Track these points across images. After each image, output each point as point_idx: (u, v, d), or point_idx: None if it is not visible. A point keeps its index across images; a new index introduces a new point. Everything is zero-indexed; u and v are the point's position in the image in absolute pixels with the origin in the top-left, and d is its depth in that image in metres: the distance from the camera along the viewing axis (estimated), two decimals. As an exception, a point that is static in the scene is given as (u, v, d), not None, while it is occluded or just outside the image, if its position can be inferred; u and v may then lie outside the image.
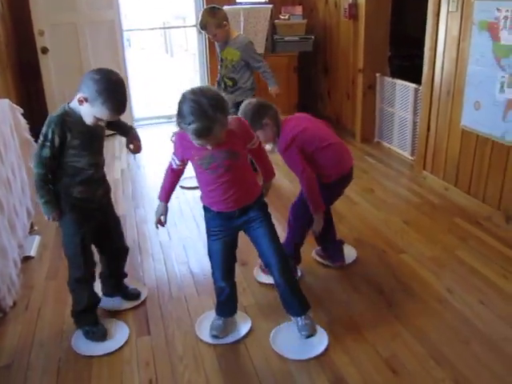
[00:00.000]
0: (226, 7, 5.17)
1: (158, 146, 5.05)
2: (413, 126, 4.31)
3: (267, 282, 2.61)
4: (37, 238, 3.16)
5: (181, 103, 1.80)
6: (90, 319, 2.29)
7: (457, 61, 3.42)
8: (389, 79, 4.63)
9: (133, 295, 2.56)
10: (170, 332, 2.32)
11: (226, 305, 2.28)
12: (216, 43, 3.92)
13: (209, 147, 1.89)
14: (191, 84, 6.61)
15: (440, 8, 3.52)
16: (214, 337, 2.25)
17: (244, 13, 5.16)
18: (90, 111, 1.98)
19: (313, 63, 5.73)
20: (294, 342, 2.21)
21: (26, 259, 2.95)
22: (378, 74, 4.71)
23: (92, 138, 2.14)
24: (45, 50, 4.72)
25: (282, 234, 2.53)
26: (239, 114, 2.36)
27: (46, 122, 2.05)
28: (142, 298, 2.57)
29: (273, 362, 2.12)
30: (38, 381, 2.07)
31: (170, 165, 2.16)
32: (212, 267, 2.22)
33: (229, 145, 1.95)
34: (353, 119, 5.04)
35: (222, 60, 3.89)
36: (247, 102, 2.42)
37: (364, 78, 4.73)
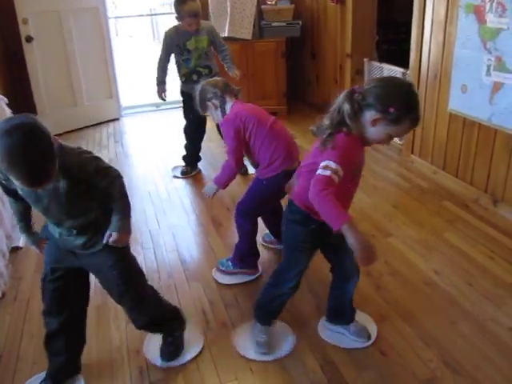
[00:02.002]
0: (212, -7, 5.14)
1: (145, 134, 5.02)
2: (401, 111, 4.30)
3: (224, 282, 2.61)
4: (25, 229, 3.14)
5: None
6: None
7: (443, 44, 3.42)
8: (376, 64, 4.61)
9: None
10: (160, 319, 2.33)
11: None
12: (174, 35, 3.69)
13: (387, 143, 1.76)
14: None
15: (426, -9, 3.51)
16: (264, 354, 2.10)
17: (230, -1, 5.11)
18: None
19: (300, 49, 5.71)
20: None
21: (15, 250, 2.94)
22: (365, 59, 4.70)
23: (39, 200, 1.66)
24: (29, 39, 4.65)
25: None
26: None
27: None
28: None
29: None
30: (27, 372, 2.07)
31: (331, 180, 1.58)
32: (286, 275, 2.00)
33: None
34: (341, 105, 5.01)
35: (188, 51, 3.67)
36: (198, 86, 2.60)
37: (352, 62, 4.72)
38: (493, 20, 2.95)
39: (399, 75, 4.23)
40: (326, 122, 1.73)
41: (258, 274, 2.62)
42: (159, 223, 3.24)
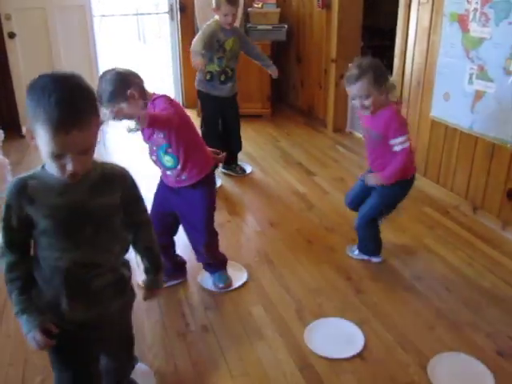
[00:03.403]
0: (198, -6, 5.13)
1: (127, 133, 4.98)
2: (384, 117, 4.34)
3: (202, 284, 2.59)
4: (3, 227, 3.09)
5: None
6: None
7: (427, 52, 3.46)
8: (361, 69, 4.64)
9: None
10: (140, 322, 2.29)
11: None
12: (217, 30, 3.55)
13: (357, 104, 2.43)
14: (165, 71, 6.53)
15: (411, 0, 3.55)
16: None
17: (217, 0, 5.11)
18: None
19: (286, 53, 5.73)
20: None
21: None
22: (350, 65, 4.72)
23: (73, 218, 1.33)
24: (12, 35, 4.60)
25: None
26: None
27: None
28: None
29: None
30: (3, 373, 2.04)
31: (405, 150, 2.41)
32: None
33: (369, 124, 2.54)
34: (325, 109, 5.05)
35: (224, 50, 3.59)
36: (106, 71, 2.10)
37: (336, 68, 4.74)
38: (476, 29, 2.99)
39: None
40: None
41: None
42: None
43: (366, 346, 2.12)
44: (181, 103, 5.71)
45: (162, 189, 2.40)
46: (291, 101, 5.86)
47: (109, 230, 1.40)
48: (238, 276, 2.61)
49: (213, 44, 3.57)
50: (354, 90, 2.39)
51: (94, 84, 4.81)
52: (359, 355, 2.08)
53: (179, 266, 2.61)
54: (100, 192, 1.36)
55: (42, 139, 1.22)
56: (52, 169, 1.27)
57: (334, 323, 2.26)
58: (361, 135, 4.76)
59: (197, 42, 3.57)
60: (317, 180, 3.86)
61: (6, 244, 1.35)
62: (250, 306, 2.39)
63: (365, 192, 2.64)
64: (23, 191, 1.30)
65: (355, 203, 2.72)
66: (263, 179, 3.90)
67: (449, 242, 2.94)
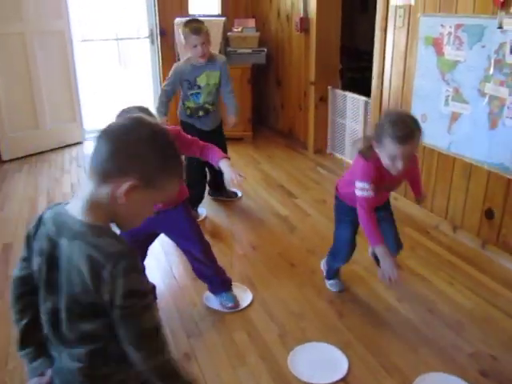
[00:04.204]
0: (178, 19, 5.18)
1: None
2: (364, 138, 4.39)
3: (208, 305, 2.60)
4: (-19, 256, 3.04)
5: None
6: None
7: (404, 74, 3.52)
8: (340, 92, 4.71)
9: None
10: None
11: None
12: (184, 68, 3.45)
13: (399, 166, 2.06)
14: (145, 95, 6.55)
15: (387, 23, 3.61)
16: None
17: (197, 25, 5.16)
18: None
19: (266, 76, 5.78)
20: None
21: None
22: (329, 87, 4.79)
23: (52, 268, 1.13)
24: (-9, 61, 4.58)
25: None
26: None
27: None
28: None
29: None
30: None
31: (366, 198, 2.17)
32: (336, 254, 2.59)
33: (403, 176, 2.32)
34: (305, 131, 5.09)
35: (198, 87, 3.47)
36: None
37: (316, 90, 4.80)
38: (450, 52, 3.06)
39: (362, 104, 4.33)
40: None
41: None
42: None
43: (349, 370, 2.11)
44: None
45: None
46: (272, 123, 5.90)
47: None
48: (243, 297, 2.63)
49: (181, 83, 3.48)
50: (410, 147, 2.03)
51: (74, 107, 4.74)
52: (343, 380, 2.07)
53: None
54: None
55: None
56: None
57: (318, 348, 2.25)
58: (341, 156, 4.81)
59: (165, 86, 3.51)
60: (298, 202, 3.87)
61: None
62: (233, 331, 2.37)
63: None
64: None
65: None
66: (245, 202, 3.90)
67: (430, 262, 2.95)
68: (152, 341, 1.11)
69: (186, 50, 3.52)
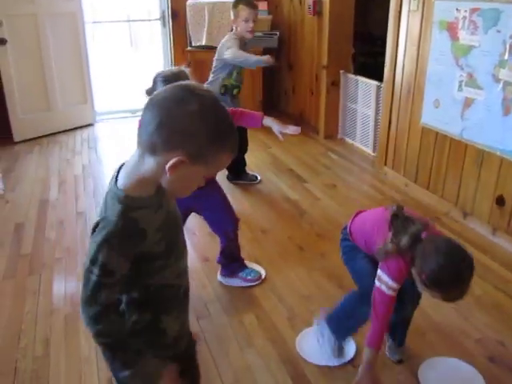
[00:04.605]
0: (190, 1, 5.15)
1: (119, 140, 4.98)
2: (375, 123, 4.37)
3: (228, 284, 2.64)
4: (-6, 235, 3.08)
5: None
6: None
7: (417, 59, 3.49)
8: (352, 76, 4.68)
9: None
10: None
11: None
12: (241, 41, 3.53)
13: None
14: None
15: (401, 7, 3.57)
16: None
17: (208, 7, 5.13)
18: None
19: (277, 59, 5.73)
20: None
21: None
22: (341, 71, 4.76)
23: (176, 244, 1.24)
24: (3, 41, 4.58)
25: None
26: None
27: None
28: None
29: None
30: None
31: (390, 297, 1.74)
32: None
33: None
34: (316, 115, 5.07)
35: (241, 66, 3.58)
36: None
37: (328, 74, 4.77)
38: (465, 37, 3.02)
39: (374, 88, 4.29)
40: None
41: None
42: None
43: (357, 353, 2.12)
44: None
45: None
46: (283, 107, 5.87)
47: None
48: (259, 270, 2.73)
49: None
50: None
51: (85, 88, 4.76)
52: (351, 363, 2.08)
53: None
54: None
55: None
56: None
57: (326, 330, 2.26)
58: (352, 141, 4.79)
59: (236, 50, 3.47)
60: (308, 186, 3.87)
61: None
62: (242, 314, 2.39)
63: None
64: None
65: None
66: (255, 185, 3.90)
67: (439, 248, 2.95)
68: (86, 310, 1.11)
69: (235, 24, 3.57)
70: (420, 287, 1.67)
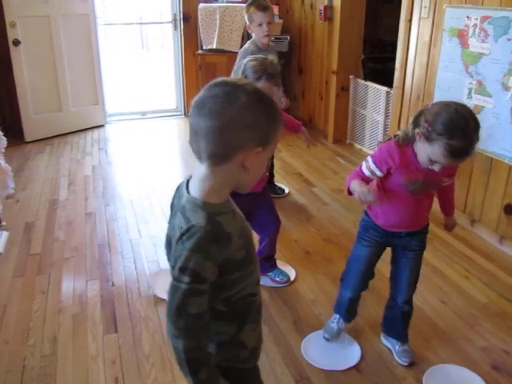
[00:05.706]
0: (201, 4, 5.19)
1: (129, 142, 5.02)
2: (384, 129, 4.38)
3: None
4: (4, 234, 3.11)
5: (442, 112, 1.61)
6: None
7: (427, 66, 3.49)
8: (361, 81, 4.69)
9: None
10: (138, 331, 2.32)
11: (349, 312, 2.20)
12: (251, 50, 3.36)
13: (436, 169, 1.70)
14: (167, 79, 6.59)
15: (412, 14, 3.58)
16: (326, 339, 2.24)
17: (220, 11, 5.17)
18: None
19: (288, 63, 5.76)
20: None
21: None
22: (351, 76, 4.77)
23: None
24: (16, 43, 4.64)
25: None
26: None
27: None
28: None
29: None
30: (1, 379, 2.05)
31: (361, 172, 1.89)
32: (347, 274, 2.14)
33: (443, 175, 1.80)
34: (325, 120, 5.09)
35: None
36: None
37: (337, 79, 4.78)
38: (475, 45, 3.03)
39: (383, 94, 4.30)
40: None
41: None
42: (140, 232, 3.23)
43: (362, 358, 2.14)
44: (183, 112, 5.75)
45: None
46: (292, 111, 5.88)
47: None
48: (289, 272, 2.76)
49: None
50: (461, 162, 1.75)
51: (97, 90, 4.81)
52: (355, 367, 2.09)
53: None
54: None
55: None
56: None
57: (331, 335, 2.28)
58: (360, 146, 4.80)
59: (236, 70, 3.30)
60: (316, 191, 3.88)
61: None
62: (248, 316, 2.41)
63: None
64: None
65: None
66: (263, 189, 3.92)
67: (446, 254, 2.96)
68: (175, 321, 1.11)
69: (250, 30, 3.45)
70: (423, 151, 1.70)
